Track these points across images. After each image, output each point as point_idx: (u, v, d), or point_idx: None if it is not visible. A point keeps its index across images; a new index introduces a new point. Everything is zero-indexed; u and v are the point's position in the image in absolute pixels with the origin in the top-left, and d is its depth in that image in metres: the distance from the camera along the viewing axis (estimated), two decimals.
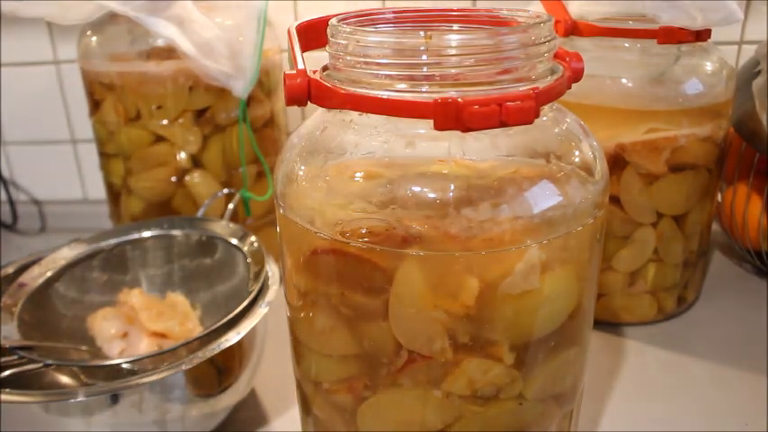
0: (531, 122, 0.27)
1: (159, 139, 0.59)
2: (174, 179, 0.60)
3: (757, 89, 0.57)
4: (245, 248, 0.50)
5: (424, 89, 0.27)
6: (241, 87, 0.56)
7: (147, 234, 0.54)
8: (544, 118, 0.31)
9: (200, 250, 0.54)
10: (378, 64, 0.28)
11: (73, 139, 0.85)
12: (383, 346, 0.31)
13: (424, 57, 0.27)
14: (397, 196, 0.29)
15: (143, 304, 0.49)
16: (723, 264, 0.68)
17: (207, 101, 0.58)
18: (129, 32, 0.58)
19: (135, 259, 0.55)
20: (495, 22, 0.33)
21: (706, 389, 0.49)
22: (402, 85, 0.28)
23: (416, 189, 0.29)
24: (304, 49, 0.32)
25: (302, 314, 0.34)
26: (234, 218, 0.62)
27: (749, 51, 0.64)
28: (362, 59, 0.28)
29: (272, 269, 0.48)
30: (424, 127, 0.28)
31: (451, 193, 0.28)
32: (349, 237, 0.29)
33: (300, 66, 0.30)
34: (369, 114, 0.29)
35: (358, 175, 0.30)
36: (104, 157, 0.63)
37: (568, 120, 0.32)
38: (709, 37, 0.50)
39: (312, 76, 0.30)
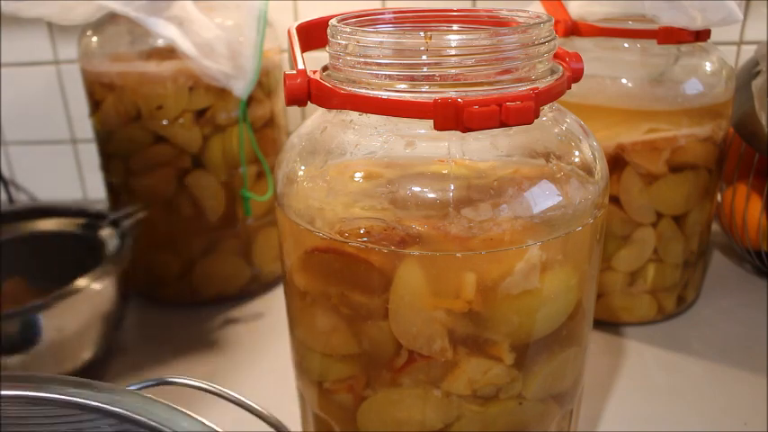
0: (530, 123, 0.27)
1: (159, 139, 0.59)
2: (174, 179, 0.60)
3: (757, 89, 0.57)
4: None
5: (423, 89, 0.27)
6: (241, 87, 0.56)
7: None
8: (544, 118, 0.31)
9: None
10: (378, 64, 0.28)
11: (73, 139, 0.85)
12: (383, 345, 0.31)
13: (424, 57, 0.27)
14: (396, 196, 0.29)
15: None
16: (723, 264, 0.68)
17: (207, 101, 0.58)
18: (129, 33, 0.58)
19: None
20: (495, 23, 0.33)
21: (706, 389, 0.49)
22: (402, 86, 0.28)
23: (416, 189, 0.29)
24: (304, 49, 0.32)
25: (302, 314, 0.34)
26: (234, 218, 0.62)
27: (748, 52, 0.65)
28: (362, 60, 0.28)
29: None
30: (424, 127, 0.28)
31: (451, 194, 0.28)
32: (348, 237, 0.29)
33: (300, 66, 0.30)
34: (369, 115, 0.29)
35: (358, 175, 0.30)
36: (104, 157, 0.63)
37: (568, 120, 0.32)
38: (709, 37, 0.50)
39: (312, 76, 0.30)
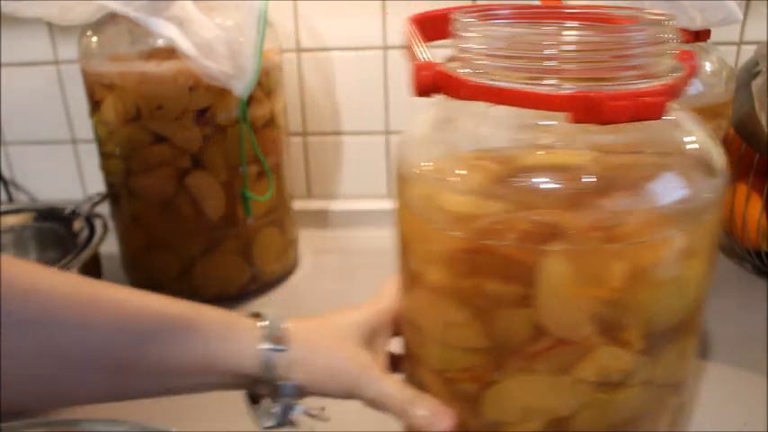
0: (659, 118, 0.27)
1: (159, 139, 0.59)
2: (174, 179, 0.60)
3: (756, 90, 0.57)
4: None
5: (553, 83, 0.28)
6: (241, 87, 0.56)
7: None
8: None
9: None
10: (511, 57, 0.28)
11: (73, 139, 0.85)
12: (517, 333, 0.31)
13: (554, 51, 0.27)
14: (531, 189, 0.29)
15: None
16: (723, 264, 0.68)
17: (207, 101, 0.58)
18: (129, 33, 0.58)
19: None
20: (611, 20, 0.34)
21: (705, 388, 0.49)
22: (535, 79, 0.28)
23: (551, 181, 0.29)
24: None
25: (428, 307, 0.34)
26: (234, 218, 0.62)
27: (748, 52, 0.64)
28: (496, 52, 0.29)
29: None
30: (553, 120, 0.29)
31: (587, 185, 0.29)
32: (486, 234, 0.29)
33: (425, 57, 0.31)
34: (496, 108, 0.29)
35: (487, 167, 0.30)
36: (104, 157, 0.64)
37: (683, 114, 0.33)
38: (709, 37, 0.50)
39: (440, 67, 0.30)
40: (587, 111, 0.26)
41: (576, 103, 0.26)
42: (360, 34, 0.75)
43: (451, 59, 0.32)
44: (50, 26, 0.78)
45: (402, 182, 0.33)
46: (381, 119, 0.79)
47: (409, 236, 0.34)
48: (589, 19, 0.34)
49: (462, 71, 0.30)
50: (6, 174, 0.87)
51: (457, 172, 0.31)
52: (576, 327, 0.30)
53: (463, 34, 0.30)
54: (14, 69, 0.81)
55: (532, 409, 0.32)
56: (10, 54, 0.80)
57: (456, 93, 0.30)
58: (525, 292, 0.30)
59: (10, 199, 0.85)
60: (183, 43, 0.54)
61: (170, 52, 0.56)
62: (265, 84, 0.62)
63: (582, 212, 0.29)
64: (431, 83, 0.30)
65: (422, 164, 0.33)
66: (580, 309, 0.30)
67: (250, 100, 0.60)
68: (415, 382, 0.37)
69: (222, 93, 0.58)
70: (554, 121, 0.29)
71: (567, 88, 0.27)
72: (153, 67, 0.57)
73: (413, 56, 0.31)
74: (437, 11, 0.34)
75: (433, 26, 0.33)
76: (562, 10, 0.34)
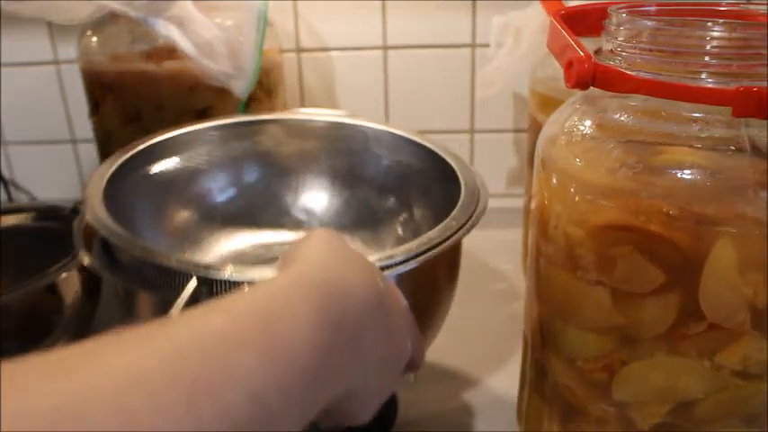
0: None
1: None
2: None
3: None
4: None
5: (712, 79, 0.28)
6: (241, 87, 0.56)
7: None
8: None
9: None
10: (673, 53, 0.29)
11: (73, 139, 0.85)
12: (662, 317, 0.31)
13: (716, 48, 0.28)
14: (689, 179, 0.29)
15: None
16: None
17: (207, 101, 0.58)
18: (129, 32, 0.58)
19: None
20: (755, 18, 0.34)
21: None
22: (693, 74, 0.29)
23: (710, 171, 0.29)
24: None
25: (569, 286, 0.34)
26: None
27: None
28: (659, 48, 0.29)
29: None
30: (707, 112, 0.29)
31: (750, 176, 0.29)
32: (652, 217, 0.30)
33: (581, 52, 0.31)
34: (653, 100, 0.30)
35: (650, 155, 0.31)
36: (104, 157, 0.63)
37: None
38: None
39: (598, 61, 0.31)
40: (751, 105, 0.27)
41: (740, 98, 0.27)
42: (360, 34, 0.75)
43: (598, 53, 0.32)
44: (50, 26, 0.78)
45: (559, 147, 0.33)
46: (381, 119, 0.79)
47: (554, 209, 0.34)
48: (730, 16, 0.34)
49: (619, 65, 0.30)
50: (6, 174, 0.87)
51: (613, 156, 0.31)
52: (733, 313, 0.30)
53: (624, 29, 0.31)
54: (14, 69, 0.81)
55: (665, 391, 0.33)
56: (10, 54, 0.80)
57: (617, 86, 0.30)
58: (674, 275, 0.30)
59: (10, 199, 0.85)
60: (183, 43, 0.54)
61: (170, 52, 0.56)
62: (266, 83, 0.62)
63: (741, 200, 0.29)
64: (590, 76, 0.30)
65: (580, 124, 0.33)
66: (741, 295, 0.30)
67: (250, 100, 0.60)
68: (539, 364, 0.37)
69: (222, 93, 0.58)
70: (708, 114, 0.30)
71: (728, 83, 0.28)
72: (153, 67, 0.57)
73: (565, 49, 0.32)
74: (580, 7, 0.35)
75: (576, 22, 0.34)
76: (709, 8, 0.35)
